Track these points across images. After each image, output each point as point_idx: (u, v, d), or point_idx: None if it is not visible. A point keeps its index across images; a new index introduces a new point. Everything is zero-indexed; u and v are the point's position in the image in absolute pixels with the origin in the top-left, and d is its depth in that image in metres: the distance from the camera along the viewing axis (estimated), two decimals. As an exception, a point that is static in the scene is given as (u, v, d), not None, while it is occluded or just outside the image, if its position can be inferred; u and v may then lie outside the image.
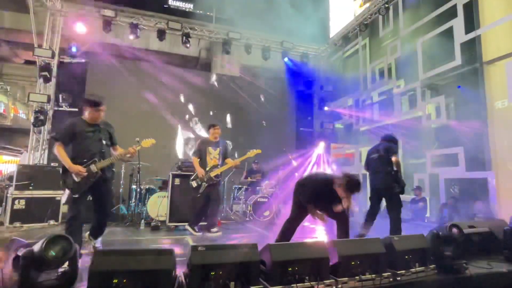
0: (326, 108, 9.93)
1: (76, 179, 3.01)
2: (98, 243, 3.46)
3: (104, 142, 3.19)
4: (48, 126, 7.29)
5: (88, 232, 3.43)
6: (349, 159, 9.65)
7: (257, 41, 9.17)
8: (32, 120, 7.15)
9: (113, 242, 4.07)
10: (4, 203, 5.31)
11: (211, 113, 9.37)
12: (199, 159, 4.88)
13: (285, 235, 3.44)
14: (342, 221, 3.31)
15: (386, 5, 7.73)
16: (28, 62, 13.01)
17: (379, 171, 4.36)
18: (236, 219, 6.47)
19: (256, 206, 6.27)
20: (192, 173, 5.03)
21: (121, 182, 5.91)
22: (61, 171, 3.12)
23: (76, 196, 3.02)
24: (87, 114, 3.15)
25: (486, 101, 5.95)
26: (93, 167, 3.07)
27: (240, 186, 7.12)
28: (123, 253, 1.94)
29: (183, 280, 2.04)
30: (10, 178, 5.60)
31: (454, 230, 2.76)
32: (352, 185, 2.97)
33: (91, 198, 3.28)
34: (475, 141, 5.95)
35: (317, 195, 3.22)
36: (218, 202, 4.98)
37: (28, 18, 7.11)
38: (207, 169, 4.84)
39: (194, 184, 4.84)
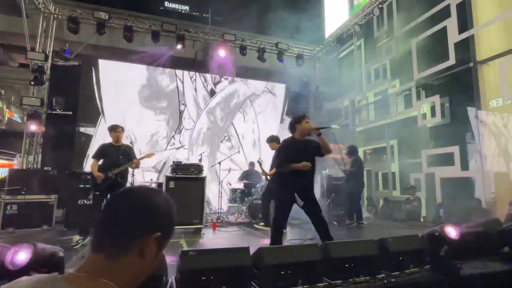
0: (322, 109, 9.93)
1: (97, 181, 4.28)
2: None
3: (121, 157, 4.43)
4: (41, 129, 7.22)
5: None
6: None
7: (252, 42, 9.16)
8: (26, 123, 7.08)
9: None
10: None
11: (211, 118, 9.35)
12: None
13: (278, 231, 3.42)
14: (316, 215, 3.32)
15: (380, 6, 7.76)
16: (22, 66, 12.93)
17: None
18: (231, 221, 6.44)
19: (251, 208, 6.24)
20: (187, 176, 5.04)
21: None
22: (90, 178, 4.62)
23: (97, 193, 4.35)
24: (111, 137, 4.54)
25: (480, 100, 5.97)
26: (110, 173, 4.32)
27: (236, 188, 7.09)
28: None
29: (175, 286, 2.01)
30: (2, 183, 5.53)
31: (449, 230, 2.75)
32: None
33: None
34: (470, 140, 5.96)
35: (290, 151, 3.44)
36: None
37: (22, 21, 7.05)
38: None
39: None
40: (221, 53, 8.63)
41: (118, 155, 4.43)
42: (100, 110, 8.13)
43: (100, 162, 4.47)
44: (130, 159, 4.52)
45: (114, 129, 4.53)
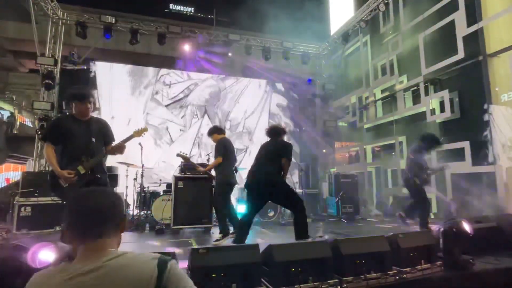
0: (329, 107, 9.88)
1: (63, 184, 2.67)
2: None
3: (93, 139, 2.84)
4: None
5: None
6: (354, 157, 9.59)
7: (257, 42, 9.17)
8: (37, 127, 7.23)
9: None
10: (10, 210, 5.36)
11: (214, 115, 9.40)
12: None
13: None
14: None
15: (386, 1, 7.68)
16: (32, 71, 13.21)
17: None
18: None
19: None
20: (195, 175, 5.07)
21: (126, 186, 5.93)
22: (49, 176, 2.77)
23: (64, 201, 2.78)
24: (73, 109, 2.84)
25: (491, 94, 5.86)
26: (81, 168, 2.69)
27: (243, 187, 7.10)
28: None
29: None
30: (16, 185, 5.65)
31: (461, 226, 2.71)
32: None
33: None
34: (481, 135, 5.86)
35: None
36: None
37: (31, 28, 7.20)
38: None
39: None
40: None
41: (88, 136, 2.82)
42: (106, 111, 8.25)
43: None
44: (107, 140, 3.00)
45: (82, 99, 2.82)
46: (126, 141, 3.02)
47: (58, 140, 2.77)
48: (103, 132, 2.97)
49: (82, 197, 1.06)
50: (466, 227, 2.69)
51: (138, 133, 3.20)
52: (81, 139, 2.78)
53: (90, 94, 2.93)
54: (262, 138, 9.69)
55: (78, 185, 2.70)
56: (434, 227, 2.94)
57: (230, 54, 8.90)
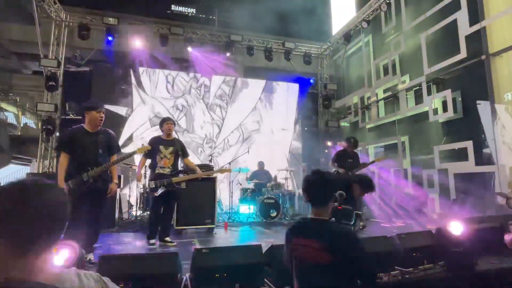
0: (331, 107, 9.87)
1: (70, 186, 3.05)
2: (91, 255, 3.11)
3: (100, 151, 3.22)
4: (56, 134, 7.41)
5: None
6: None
7: (259, 42, 9.18)
8: (40, 129, 7.28)
9: (122, 248, 4.11)
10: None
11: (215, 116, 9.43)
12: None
13: None
14: None
15: (388, 1, 7.66)
16: (36, 73, 13.28)
17: None
18: (242, 220, 6.47)
19: (262, 207, 6.26)
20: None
21: (129, 187, 5.97)
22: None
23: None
24: (87, 120, 3.25)
25: (493, 94, 5.83)
26: (85, 176, 3.10)
27: (246, 188, 7.12)
28: (127, 259, 1.96)
29: (189, 283, 2.05)
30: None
31: (462, 225, 2.70)
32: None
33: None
34: (483, 135, 5.84)
35: None
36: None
37: (34, 30, 7.26)
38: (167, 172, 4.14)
39: (152, 184, 4.10)
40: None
41: (96, 147, 3.18)
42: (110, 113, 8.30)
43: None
44: (111, 152, 3.39)
45: (98, 108, 3.22)
46: (128, 157, 3.49)
47: (72, 150, 3.14)
48: (109, 144, 3.34)
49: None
50: (462, 227, 2.68)
51: (141, 150, 3.68)
52: (89, 150, 3.16)
53: (102, 105, 3.34)
54: (262, 138, 9.71)
55: (81, 190, 3.06)
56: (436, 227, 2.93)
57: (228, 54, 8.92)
